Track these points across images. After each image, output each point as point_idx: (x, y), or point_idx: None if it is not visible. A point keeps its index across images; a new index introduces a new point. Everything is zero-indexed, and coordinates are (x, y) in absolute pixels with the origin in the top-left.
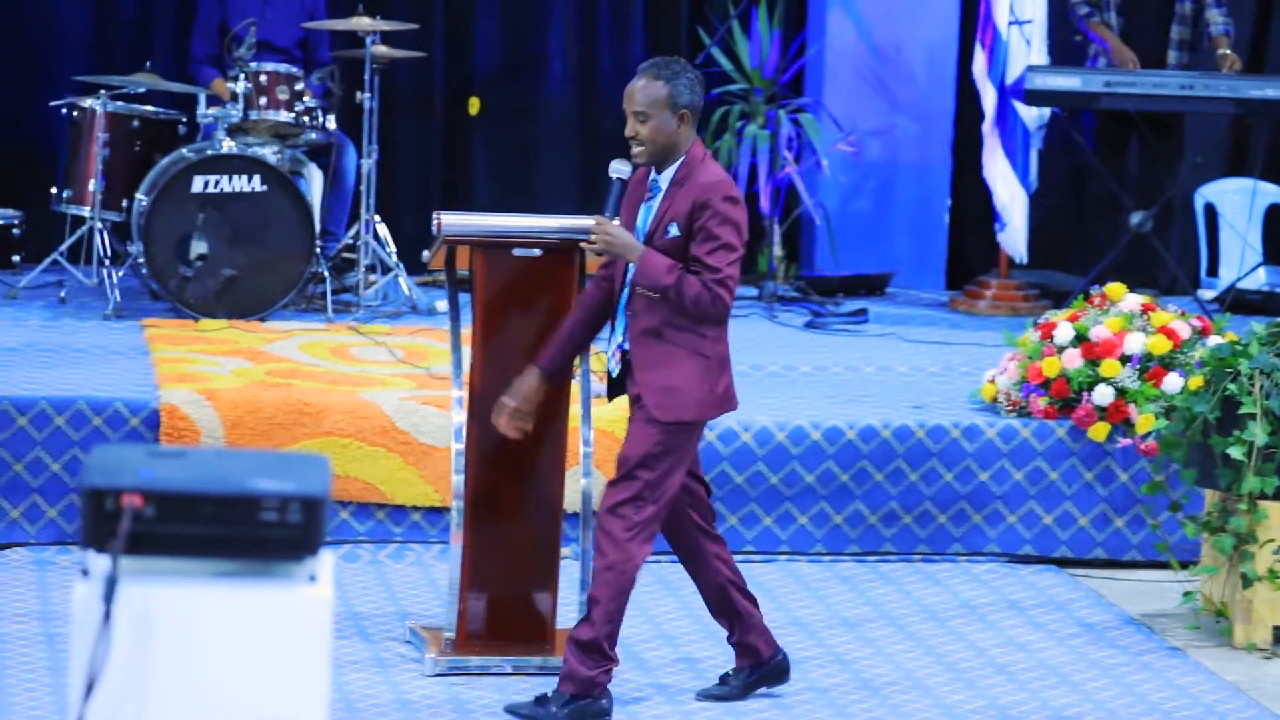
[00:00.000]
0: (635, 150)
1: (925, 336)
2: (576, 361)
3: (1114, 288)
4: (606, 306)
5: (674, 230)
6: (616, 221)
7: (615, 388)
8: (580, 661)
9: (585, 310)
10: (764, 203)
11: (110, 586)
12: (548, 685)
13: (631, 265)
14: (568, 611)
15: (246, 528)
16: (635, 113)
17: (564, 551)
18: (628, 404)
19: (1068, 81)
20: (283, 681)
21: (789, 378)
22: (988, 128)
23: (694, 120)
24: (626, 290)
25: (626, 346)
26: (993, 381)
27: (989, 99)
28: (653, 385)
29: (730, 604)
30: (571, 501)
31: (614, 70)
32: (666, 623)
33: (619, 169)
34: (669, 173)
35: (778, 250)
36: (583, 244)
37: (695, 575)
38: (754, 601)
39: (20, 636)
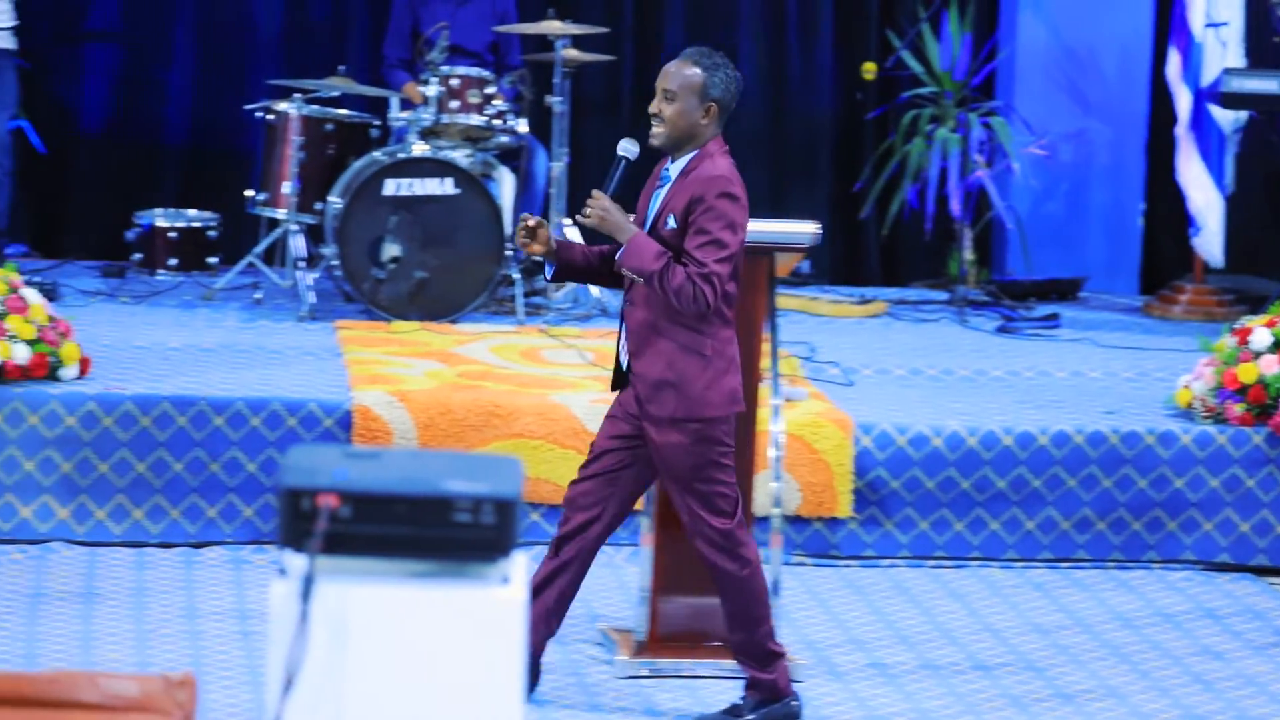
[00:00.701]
0: (654, 129)
1: (1119, 342)
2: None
3: None
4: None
5: (672, 222)
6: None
7: (620, 380)
8: (755, 669)
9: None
10: (955, 206)
11: (307, 585)
12: (738, 690)
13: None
14: None
15: (440, 529)
16: (665, 90)
17: None
18: (638, 401)
19: (1265, 84)
20: (476, 682)
21: (980, 382)
22: (1182, 131)
23: (721, 117)
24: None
25: (627, 341)
26: (1188, 387)
27: (1184, 102)
28: (647, 380)
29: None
30: (761, 505)
31: (802, 76)
32: (857, 628)
33: (627, 148)
34: (681, 163)
35: (968, 254)
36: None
37: (560, 574)
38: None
39: (217, 634)
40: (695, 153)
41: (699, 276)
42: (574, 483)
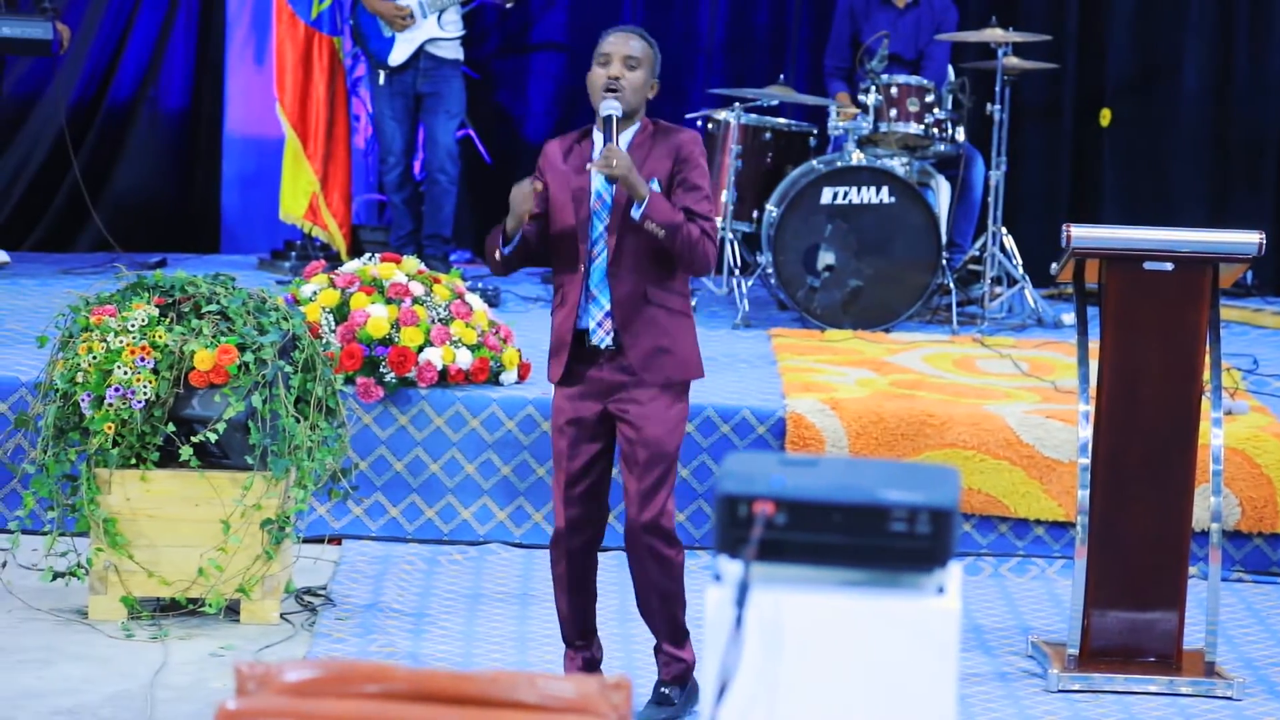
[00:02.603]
0: (615, 95)
1: None
2: None
3: None
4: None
5: (655, 186)
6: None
7: (574, 361)
8: (676, 650)
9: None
10: None
11: (743, 592)
12: (1174, 707)
13: (608, 228)
14: (1194, 632)
15: (875, 538)
16: (627, 58)
17: (1190, 571)
18: (620, 381)
19: None
20: (909, 692)
21: None
22: None
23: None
24: (604, 256)
25: (613, 315)
26: None
27: None
28: (641, 350)
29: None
30: (1200, 520)
31: (1250, 81)
32: None
33: (611, 107)
34: (627, 135)
35: None
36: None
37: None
38: None
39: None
40: (638, 125)
41: (710, 230)
42: (568, 511)
